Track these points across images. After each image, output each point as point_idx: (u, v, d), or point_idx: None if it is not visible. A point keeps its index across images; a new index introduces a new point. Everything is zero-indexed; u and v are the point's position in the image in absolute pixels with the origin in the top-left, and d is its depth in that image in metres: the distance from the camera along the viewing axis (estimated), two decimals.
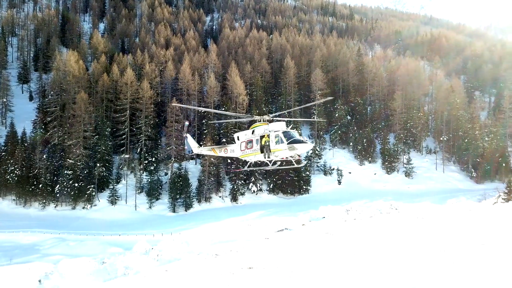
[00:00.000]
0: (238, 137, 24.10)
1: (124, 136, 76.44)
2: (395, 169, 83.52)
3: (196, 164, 78.22)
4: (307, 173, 76.46)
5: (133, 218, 62.71)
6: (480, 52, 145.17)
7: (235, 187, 71.30)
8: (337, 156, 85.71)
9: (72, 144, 70.53)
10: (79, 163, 67.99)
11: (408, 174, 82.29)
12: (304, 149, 21.20)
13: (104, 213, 64.16)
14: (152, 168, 72.95)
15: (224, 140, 75.91)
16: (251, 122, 24.25)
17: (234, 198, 70.95)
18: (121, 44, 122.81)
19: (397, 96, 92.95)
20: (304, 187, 74.90)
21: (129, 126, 76.44)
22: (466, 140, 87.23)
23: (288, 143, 20.62)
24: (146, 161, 73.83)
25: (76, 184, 64.75)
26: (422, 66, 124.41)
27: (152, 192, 67.82)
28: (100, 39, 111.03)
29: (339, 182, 78.87)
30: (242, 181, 72.66)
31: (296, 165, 23.35)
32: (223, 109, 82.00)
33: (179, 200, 66.47)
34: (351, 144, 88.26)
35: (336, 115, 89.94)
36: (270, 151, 21.44)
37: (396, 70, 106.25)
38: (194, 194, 68.65)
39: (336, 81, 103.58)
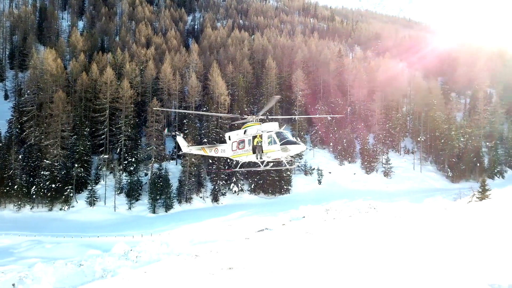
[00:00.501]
0: (229, 137, 23.67)
1: (104, 136, 75.23)
2: (374, 169, 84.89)
3: (176, 164, 77.67)
4: (288, 173, 76.92)
5: (112, 219, 61.79)
6: (456, 54, 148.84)
7: (216, 187, 71.14)
8: (318, 156, 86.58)
9: (49, 144, 69.01)
10: (56, 164, 66.55)
11: (386, 174, 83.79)
12: (297, 150, 20.89)
13: (82, 214, 62.99)
14: (132, 168, 72.04)
15: (205, 140, 75.65)
16: (233, 120, 24.22)
17: (215, 199, 70.77)
18: (100, 43, 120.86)
19: (376, 97, 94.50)
20: (285, 187, 75.36)
21: (109, 126, 75.28)
22: (442, 141, 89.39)
23: (281, 144, 20.35)
24: (126, 162, 72.86)
25: (53, 185, 63.34)
26: (400, 67, 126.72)
27: (132, 193, 66.99)
28: (79, 37, 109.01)
29: (319, 182, 79.66)
30: (224, 182, 72.57)
31: (288, 166, 23.06)
32: (204, 109, 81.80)
33: (159, 201, 65.87)
34: (331, 144, 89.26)
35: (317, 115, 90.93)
36: (262, 152, 21.13)
37: (376, 71, 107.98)
38: (174, 195, 68.14)
39: (317, 81, 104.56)
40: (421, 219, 22.60)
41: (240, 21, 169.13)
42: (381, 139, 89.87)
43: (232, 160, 24.08)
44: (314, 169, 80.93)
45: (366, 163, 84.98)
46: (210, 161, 73.60)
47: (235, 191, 73.10)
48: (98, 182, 70.15)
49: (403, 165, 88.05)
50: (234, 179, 73.01)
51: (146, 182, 70.40)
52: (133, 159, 73.18)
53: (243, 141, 22.38)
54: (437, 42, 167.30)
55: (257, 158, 21.43)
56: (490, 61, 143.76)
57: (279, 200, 72.12)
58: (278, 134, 20.78)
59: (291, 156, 22.16)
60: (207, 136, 77.16)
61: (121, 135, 73.94)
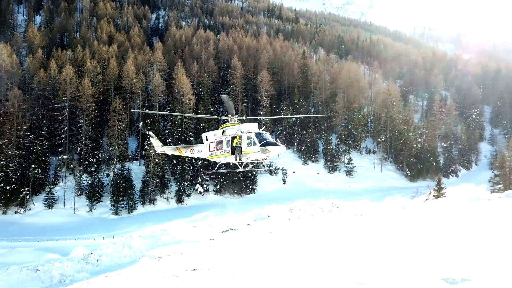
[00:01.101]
0: (206, 137, 23.07)
1: (63, 135, 72.47)
2: (337, 168, 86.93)
3: (140, 165, 76.14)
4: (254, 173, 77.29)
5: (72, 222, 59.77)
6: (414, 59, 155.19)
7: (181, 188, 70.38)
8: (282, 156, 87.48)
9: (4, 144, 65.62)
10: (11, 165, 63.38)
11: (349, 173, 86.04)
12: (276, 151, 20.54)
13: (40, 217, 60.46)
14: (93, 169, 69.93)
15: (169, 140, 74.56)
16: (200, 119, 23.74)
17: (179, 200, 69.99)
18: (59, 39, 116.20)
19: (339, 98, 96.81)
20: (250, 186, 75.71)
21: (68, 125, 72.62)
22: (401, 141, 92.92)
23: (260, 145, 19.90)
24: (87, 162, 70.62)
25: (8, 187, 60.35)
26: (362, 70, 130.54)
27: (93, 194, 65.02)
28: (36, 33, 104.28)
29: (284, 182, 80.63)
30: (188, 182, 71.89)
31: (267, 168, 22.71)
32: (169, 108, 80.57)
33: (122, 202, 64.37)
34: (295, 144, 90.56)
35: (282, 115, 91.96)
36: (241, 153, 20.62)
37: (338, 73, 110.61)
38: (137, 196, 66.83)
39: (281, 82, 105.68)
40: (382, 217, 23.39)
41: (206, 20, 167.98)
42: (344, 140, 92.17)
43: (209, 161, 23.54)
44: (279, 168, 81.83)
45: (329, 163, 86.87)
46: (175, 161, 72.71)
47: (200, 192, 72.60)
48: (57, 184, 67.61)
49: (364, 165, 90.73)
50: (199, 179, 72.50)
51: (108, 183, 68.54)
52: (95, 159, 71.08)
53: (221, 142, 21.82)
54: (396, 46, 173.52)
55: (236, 160, 20.95)
56: (445, 65, 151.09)
57: (244, 200, 72.33)
58: (258, 135, 20.40)
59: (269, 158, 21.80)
60: (171, 136, 76.16)
61: (81, 135, 71.58)
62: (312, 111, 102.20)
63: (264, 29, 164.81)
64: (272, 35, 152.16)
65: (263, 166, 22.06)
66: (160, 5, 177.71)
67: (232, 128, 21.63)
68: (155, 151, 26.73)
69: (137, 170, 73.54)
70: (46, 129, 71.20)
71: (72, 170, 69.96)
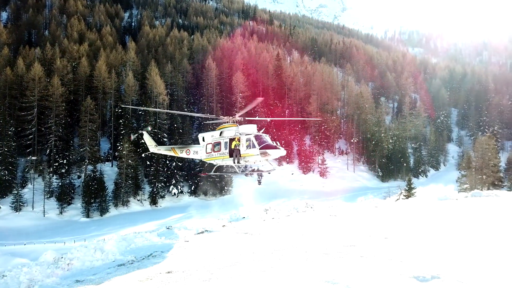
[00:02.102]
0: (203, 138, 22.27)
1: (31, 136, 70.13)
2: (310, 169, 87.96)
3: (112, 166, 74.65)
4: (229, 174, 77.10)
5: (41, 225, 57.90)
6: (385, 62, 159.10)
7: (155, 190, 69.45)
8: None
9: None
10: None
11: (322, 174, 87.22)
12: (276, 154, 19.86)
13: (7, 221, 58.23)
14: (63, 170, 68.01)
15: (142, 141, 73.32)
16: (205, 120, 23.02)
17: (153, 201, 69.04)
18: (27, 36, 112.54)
19: (312, 100, 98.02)
20: (225, 188, 75.53)
21: (37, 125, 70.35)
22: (373, 142, 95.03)
23: (260, 148, 19.28)
24: (57, 164, 68.61)
25: None
26: (335, 72, 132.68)
27: (64, 196, 63.22)
28: (3, 29, 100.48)
29: (259, 182, 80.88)
30: (162, 184, 71.00)
31: (266, 171, 22.61)
32: (142, 106, 79.37)
33: (93, 205, 62.91)
34: None
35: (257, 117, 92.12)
36: (240, 156, 19.95)
37: (312, 75, 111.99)
38: (110, 198, 65.46)
39: (256, 84, 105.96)
40: (354, 217, 23.76)
41: (180, 20, 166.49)
42: (317, 141, 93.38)
43: (205, 162, 22.96)
44: (254, 169, 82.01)
45: (303, 164, 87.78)
46: (148, 162, 71.70)
47: (174, 193, 71.85)
48: (25, 186, 65.35)
49: (337, 166, 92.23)
50: (174, 181, 71.75)
51: (79, 185, 66.86)
52: (65, 160, 69.16)
53: (219, 144, 21.13)
54: (368, 49, 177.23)
55: (234, 162, 20.28)
56: (414, 68, 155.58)
57: (219, 201, 72.07)
58: (257, 137, 19.79)
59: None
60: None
61: (51, 135, 69.48)
62: (287, 112, 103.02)
63: (238, 30, 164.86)
64: (246, 36, 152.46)
65: (261, 169, 21.85)
66: (133, 4, 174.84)
67: (231, 130, 21.00)
68: (149, 150, 25.96)
69: (109, 171, 72.07)
70: (13, 129, 68.66)
71: (41, 171, 67.79)
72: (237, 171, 21.37)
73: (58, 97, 71.41)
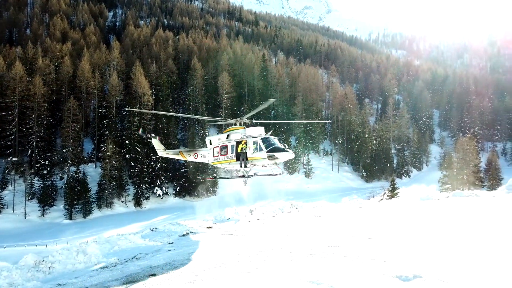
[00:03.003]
0: (210, 141, 21.76)
1: (12, 137, 68.58)
2: (296, 170, 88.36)
3: (96, 167, 73.65)
4: (215, 175, 76.86)
5: (22, 227, 56.67)
6: (369, 63, 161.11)
7: (139, 191, 68.77)
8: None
9: None
10: None
11: (307, 174, 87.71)
12: (285, 158, 19.29)
13: None
14: (45, 172, 66.72)
15: (127, 141, 72.68)
16: (211, 122, 22.26)
17: (138, 203, 68.36)
18: (8, 35, 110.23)
19: (298, 101, 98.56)
20: (211, 189, 75.23)
21: (18, 126, 68.87)
22: (357, 143, 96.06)
23: (267, 151, 18.78)
24: (38, 165, 67.28)
25: None
26: (320, 74, 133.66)
27: (45, 198, 62.00)
28: None
29: (245, 183, 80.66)
30: (147, 185, 70.35)
31: (275, 175, 21.56)
32: (126, 108, 78.46)
33: (76, 206, 61.88)
34: None
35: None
36: (247, 160, 19.52)
37: (297, 76, 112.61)
38: (93, 200, 64.52)
39: (242, 84, 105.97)
40: (338, 217, 24.00)
41: (165, 20, 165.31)
42: (302, 142, 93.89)
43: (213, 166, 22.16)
44: (240, 170, 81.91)
45: (288, 164, 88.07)
46: (133, 163, 70.96)
47: (159, 195, 71.26)
48: (5, 187, 63.81)
49: (322, 166, 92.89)
50: (158, 182, 71.19)
51: (62, 187, 65.71)
52: (47, 161, 67.89)
53: (225, 147, 20.62)
54: (352, 51, 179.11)
55: (241, 166, 19.91)
56: (398, 70, 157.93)
57: (205, 202, 71.74)
58: (265, 140, 19.25)
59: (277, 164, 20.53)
60: (129, 137, 74.20)
61: (32, 136, 68.13)
62: (272, 113, 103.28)
63: (224, 31, 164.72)
64: (232, 37, 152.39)
65: (269, 173, 20.83)
66: (117, 3, 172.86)
67: (237, 132, 20.48)
68: (157, 154, 25.27)
69: (93, 172, 71.07)
70: None
71: (22, 173, 66.36)
72: (244, 175, 20.90)
73: (40, 97, 70.08)
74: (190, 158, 23.31)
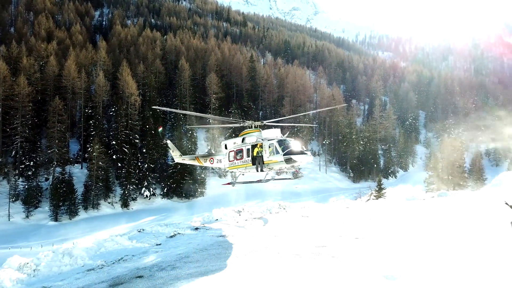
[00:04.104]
0: (225, 145, 21.13)
1: None
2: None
3: (82, 168, 72.76)
4: (202, 175, 76.67)
5: (6, 229, 55.68)
6: (356, 65, 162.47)
7: (126, 192, 68.16)
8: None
9: None
10: None
11: (295, 175, 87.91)
12: (303, 160, 18.39)
13: None
14: (30, 173, 65.70)
15: (114, 142, 71.99)
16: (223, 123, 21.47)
17: (125, 204, 67.74)
18: None
19: (285, 102, 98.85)
20: (199, 189, 74.96)
21: (2, 126, 67.68)
22: (345, 144, 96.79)
23: (284, 154, 17.94)
24: (23, 166, 66.19)
25: None
26: (307, 75, 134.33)
27: (30, 199, 61.03)
28: None
29: (233, 184, 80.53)
30: (134, 186, 69.76)
31: (293, 178, 20.68)
32: (113, 109, 77.74)
33: (62, 208, 61.06)
34: None
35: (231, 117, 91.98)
36: (263, 163, 18.57)
37: (285, 77, 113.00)
38: (80, 201, 63.74)
39: (230, 85, 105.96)
40: (326, 217, 24.10)
41: (152, 20, 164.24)
42: None
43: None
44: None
45: None
46: (120, 164, 70.30)
47: (146, 196, 70.75)
48: None
49: (310, 167, 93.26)
50: (146, 183, 70.65)
51: (47, 188, 64.76)
52: (32, 162, 66.85)
53: (241, 151, 19.83)
54: (340, 53, 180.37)
55: (257, 170, 19.05)
56: (384, 72, 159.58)
57: (193, 203, 71.50)
58: (281, 142, 18.41)
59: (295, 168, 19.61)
60: (116, 138, 73.53)
61: (17, 137, 67.00)
62: (260, 114, 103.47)
63: (212, 31, 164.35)
64: (220, 38, 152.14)
65: (286, 176, 19.83)
66: (104, 2, 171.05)
67: (252, 136, 19.65)
68: (174, 160, 24.75)
69: (79, 173, 70.20)
70: None
71: (6, 174, 65.22)
72: (261, 179, 20.12)
73: (24, 96, 69.01)
74: (206, 163, 22.81)
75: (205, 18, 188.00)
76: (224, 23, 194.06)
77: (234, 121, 22.09)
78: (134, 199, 69.26)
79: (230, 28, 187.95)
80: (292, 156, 17.93)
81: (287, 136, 19.55)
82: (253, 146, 19.33)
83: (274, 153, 18.36)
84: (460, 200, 27.61)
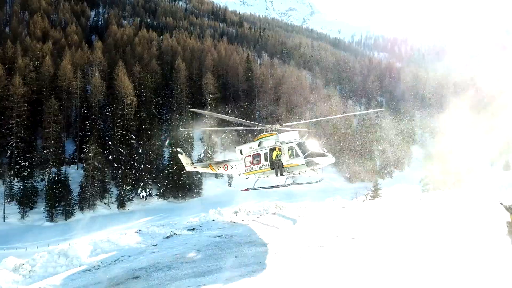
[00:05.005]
0: (241, 150, 20.45)
1: None
2: None
3: (77, 169, 72.46)
4: (199, 176, 76.56)
5: (1, 230, 55.50)
6: (352, 65, 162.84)
7: (123, 192, 67.98)
8: (228, 158, 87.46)
9: None
10: None
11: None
12: (325, 163, 17.90)
13: None
14: (25, 173, 65.35)
15: (110, 142, 71.77)
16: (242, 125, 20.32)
17: (121, 205, 67.56)
18: None
19: (282, 102, 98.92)
20: (195, 190, 74.90)
21: None
22: (341, 144, 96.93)
23: (305, 157, 17.38)
24: (18, 166, 65.83)
25: None
26: (304, 75, 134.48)
27: (26, 200, 60.78)
28: None
29: (230, 184, 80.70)
30: (130, 186, 69.58)
31: (314, 182, 19.93)
32: (109, 109, 77.59)
33: (58, 209, 60.84)
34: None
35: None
36: (283, 167, 18.05)
37: (282, 78, 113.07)
38: (75, 201, 63.53)
39: (226, 86, 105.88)
40: (323, 218, 24.09)
41: (148, 20, 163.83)
42: None
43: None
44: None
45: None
46: (116, 165, 70.11)
47: (142, 196, 70.59)
48: None
49: None
50: (142, 183, 70.49)
51: (43, 188, 64.45)
52: (27, 163, 66.50)
53: (258, 155, 19.25)
54: (336, 53, 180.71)
55: (277, 175, 18.59)
56: (380, 72, 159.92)
57: (189, 204, 71.40)
58: (301, 145, 17.85)
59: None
60: (112, 138, 73.31)
61: (12, 137, 66.65)
62: (257, 114, 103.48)
63: (208, 32, 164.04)
64: (216, 38, 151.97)
65: (307, 180, 19.34)
66: (100, 2, 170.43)
67: (270, 139, 19.08)
68: (185, 169, 24.13)
69: (74, 174, 69.91)
70: None
71: (1, 174, 64.86)
72: (280, 184, 19.52)
73: (19, 97, 68.69)
74: (220, 170, 22.21)
75: (202, 19, 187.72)
76: (220, 24, 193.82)
77: (251, 124, 21.17)
78: (130, 200, 69.09)
79: (227, 29, 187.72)
80: (313, 159, 17.49)
81: (305, 139, 19.12)
82: (271, 150, 18.77)
83: (294, 156, 17.83)
84: (456, 200, 27.73)
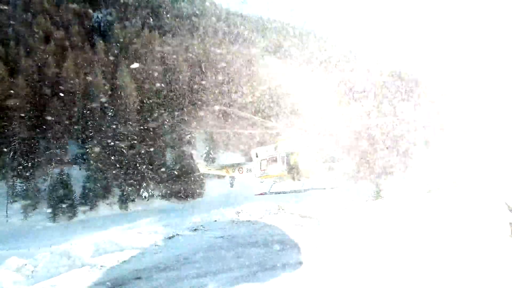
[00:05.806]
0: (256, 154, 20.57)
1: None
2: None
3: (80, 169, 72.60)
4: (201, 177, 76.51)
5: (3, 231, 55.58)
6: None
7: (125, 193, 68.03)
8: (229, 158, 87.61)
9: None
10: None
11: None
12: (344, 167, 17.99)
13: None
14: (28, 174, 65.53)
15: (112, 143, 71.79)
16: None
17: (123, 205, 67.63)
18: None
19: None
20: (197, 191, 74.88)
21: (0, 127, 67.55)
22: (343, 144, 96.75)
23: (323, 162, 17.71)
24: (21, 166, 66.01)
25: None
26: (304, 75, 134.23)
27: (28, 200, 60.91)
28: None
29: (232, 185, 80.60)
30: (132, 187, 69.65)
31: (331, 187, 19.91)
32: (111, 110, 77.49)
33: (60, 209, 60.92)
34: (241, 146, 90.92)
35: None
36: (300, 172, 18.30)
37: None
38: (78, 202, 63.61)
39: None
40: (324, 218, 24.12)
41: (151, 21, 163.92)
42: None
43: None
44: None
45: None
46: (118, 165, 70.17)
47: (145, 197, 70.64)
48: None
49: None
50: (144, 184, 70.56)
51: (45, 189, 64.62)
52: (30, 163, 66.69)
53: (274, 159, 19.33)
54: (333, 54, 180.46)
55: (294, 180, 18.56)
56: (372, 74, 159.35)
57: (191, 204, 71.42)
58: (319, 149, 18.29)
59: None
60: (115, 139, 73.30)
61: (15, 137, 66.83)
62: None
63: (211, 32, 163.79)
64: (219, 39, 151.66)
65: (323, 186, 19.19)
66: (103, 3, 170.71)
67: (287, 143, 19.23)
68: (199, 171, 24.42)
69: (77, 174, 70.04)
70: None
71: (4, 175, 65.08)
72: (296, 189, 19.52)
73: (23, 97, 68.88)
74: (235, 173, 22.57)
75: (204, 20, 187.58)
76: (223, 24, 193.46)
77: (270, 127, 21.79)
78: (132, 200, 69.13)
79: (229, 29, 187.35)
80: (331, 164, 17.65)
81: (320, 142, 19.26)
82: (289, 154, 18.80)
83: (312, 160, 17.78)
84: (460, 199, 27.69)
